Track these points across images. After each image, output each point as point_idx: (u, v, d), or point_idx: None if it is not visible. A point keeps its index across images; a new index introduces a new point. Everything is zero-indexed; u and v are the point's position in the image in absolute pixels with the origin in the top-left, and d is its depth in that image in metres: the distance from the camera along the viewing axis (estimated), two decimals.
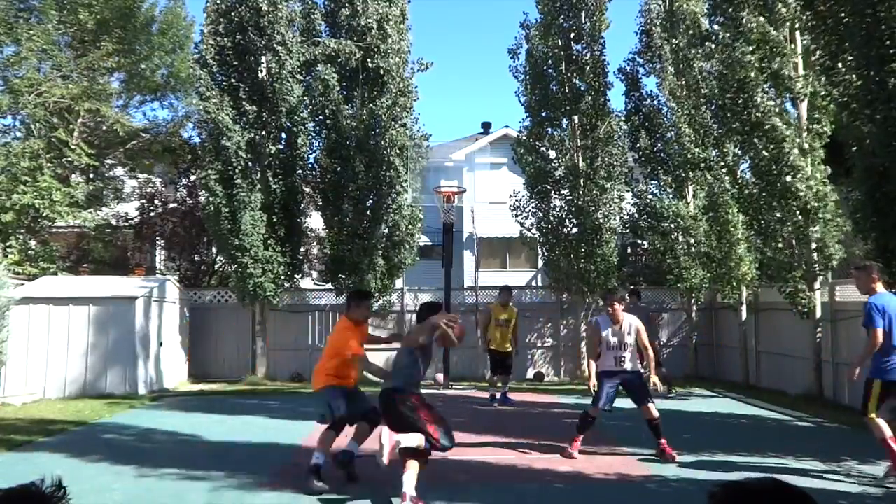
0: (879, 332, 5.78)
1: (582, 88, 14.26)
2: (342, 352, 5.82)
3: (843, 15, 7.64)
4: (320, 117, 14.30)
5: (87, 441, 7.84)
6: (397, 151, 13.61)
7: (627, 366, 6.94)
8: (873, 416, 5.78)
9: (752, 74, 9.91)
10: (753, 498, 1.31)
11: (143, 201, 18.23)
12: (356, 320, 6.02)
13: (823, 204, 9.71)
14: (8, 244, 13.94)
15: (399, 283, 15.66)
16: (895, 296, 6.04)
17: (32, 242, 15.23)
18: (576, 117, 14.39)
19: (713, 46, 11.05)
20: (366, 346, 6.07)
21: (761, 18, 9.83)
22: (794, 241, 10.27)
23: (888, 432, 5.75)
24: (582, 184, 14.13)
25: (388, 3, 14.13)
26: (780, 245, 10.45)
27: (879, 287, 6.06)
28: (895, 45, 7.10)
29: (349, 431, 5.96)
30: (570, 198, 14.27)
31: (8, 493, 1.33)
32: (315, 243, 16.44)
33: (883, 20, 7.10)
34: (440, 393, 12.35)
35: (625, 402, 9.47)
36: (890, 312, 5.84)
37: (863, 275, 6.22)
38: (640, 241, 17.44)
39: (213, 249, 17.11)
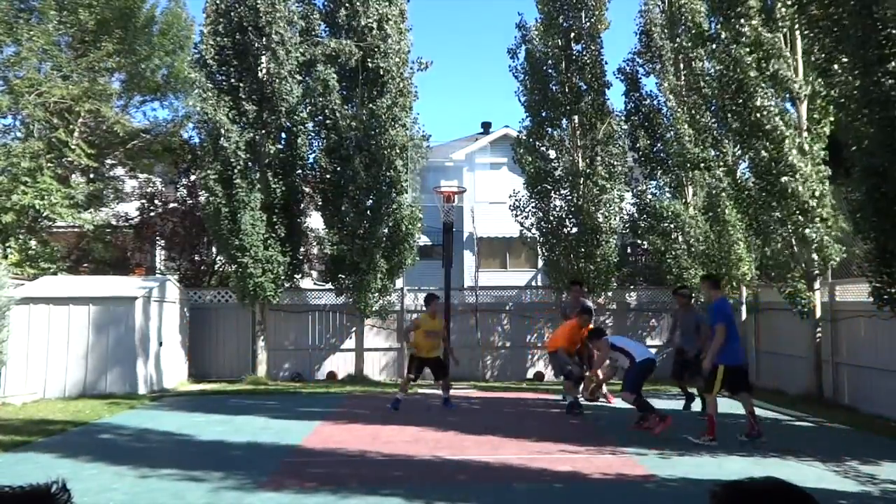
0: (724, 328, 7.27)
1: (582, 88, 14.26)
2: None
3: (837, 17, 7.64)
4: (320, 117, 14.30)
5: (88, 441, 7.84)
6: (397, 151, 13.61)
7: None
8: (713, 393, 7.43)
9: (752, 75, 9.91)
10: (755, 498, 1.31)
11: (143, 201, 18.22)
12: None
13: (822, 204, 9.70)
14: (8, 244, 13.94)
15: (399, 283, 15.66)
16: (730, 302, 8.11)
17: (32, 242, 15.21)
18: (575, 117, 14.39)
19: (713, 47, 11.06)
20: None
21: (754, 21, 9.83)
22: (793, 242, 10.27)
23: (717, 410, 7.49)
24: (582, 184, 14.13)
25: (387, 3, 14.12)
26: (779, 245, 10.46)
27: (720, 294, 7.94)
28: (892, 47, 7.10)
29: None
30: (570, 198, 14.27)
31: (15, 493, 1.33)
32: (315, 243, 16.43)
33: (879, 21, 7.10)
34: (439, 393, 12.35)
35: (621, 403, 9.46)
36: (729, 313, 7.57)
37: (708, 284, 8.00)
38: (640, 241, 17.44)
39: (213, 249, 17.10)
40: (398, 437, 7.94)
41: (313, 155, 14.86)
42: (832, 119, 9.79)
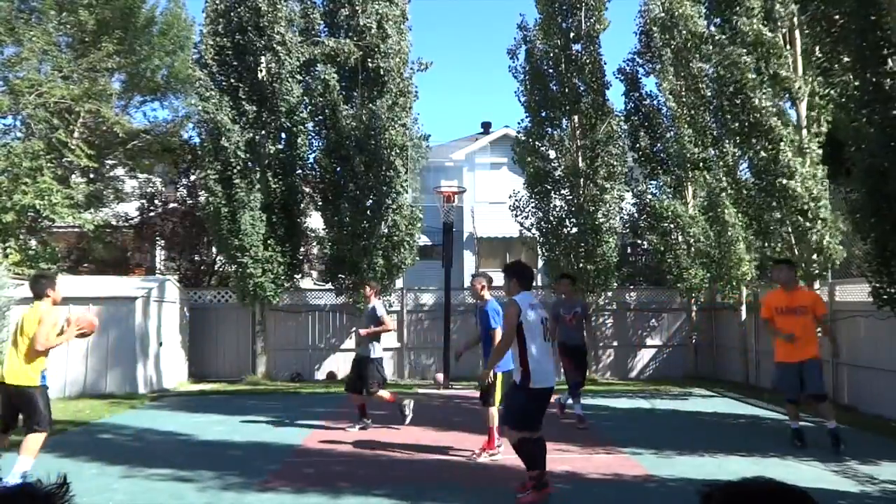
0: (500, 331, 6.53)
1: (581, 88, 14.27)
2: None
3: (837, 17, 7.64)
4: (320, 117, 14.31)
5: (88, 441, 7.85)
6: (397, 151, 13.61)
7: None
8: (496, 405, 6.69)
9: (750, 76, 9.91)
10: (753, 499, 1.30)
11: (143, 201, 18.25)
12: None
13: (820, 204, 9.69)
14: (8, 244, 13.94)
15: (399, 283, 15.65)
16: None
17: (32, 242, 15.21)
18: (575, 117, 14.39)
19: (710, 48, 11.06)
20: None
21: (753, 20, 9.83)
22: (793, 242, 10.26)
23: (496, 422, 6.67)
24: (582, 184, 14.14)
25: (388, 3, 14.13)
26: (779, 245, 10.45)
27: (487, 294, 7.01)
28: (890, 47, 7.10)
29: None
30: (570, 198, 14.27)
31: (15, 492, 1.33)
32: (315, 243, 16.44)
33: (877, 22, 7.11)
34: (438, 393, 12.36)
35: (620, 402, 9.49)
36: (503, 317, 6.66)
37: (478, 281, 7.14)
38: (639, 241, 17.44)
39: (213, 249, 17.11)
40: (398, 437, 7.94)
41: (313, 155, 14.88)
42: (831, 119, 9.79)
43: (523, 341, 5.23)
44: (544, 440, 5.36)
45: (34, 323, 5.89)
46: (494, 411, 6.81)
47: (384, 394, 8.44)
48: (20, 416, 5.84)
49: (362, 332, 8.44)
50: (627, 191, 15.15)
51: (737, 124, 10.25)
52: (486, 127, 27.32)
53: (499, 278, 10.80)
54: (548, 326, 5.45)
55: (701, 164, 13.73)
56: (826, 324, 7.24)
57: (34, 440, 5.73)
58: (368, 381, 8.29)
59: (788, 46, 10.18)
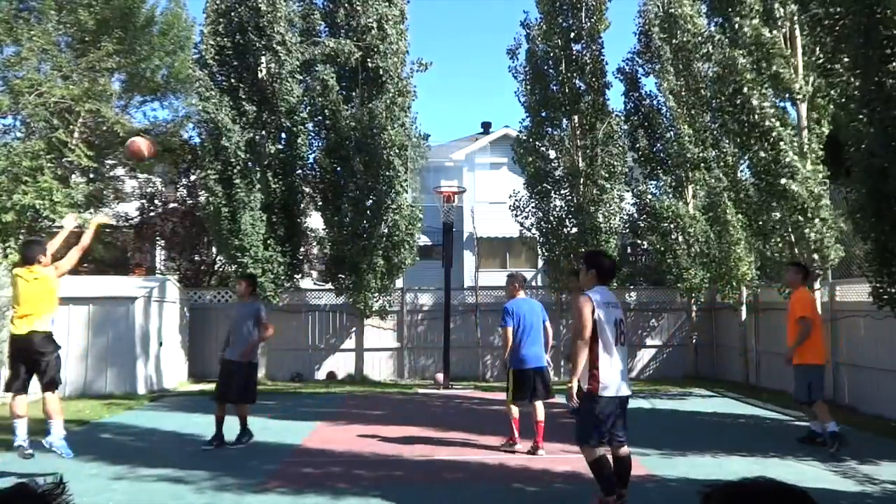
0: (509, 330, 6.95)
1: (581, 88, 14.27)
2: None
3: (838, 16, 7.63)
4: (319, 117, 14.32)
5: (87, 441, 7.84)
6: (396, 151, 13.62)
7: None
8: (510, 402, 7.12)
9: (748, 77, 9.90)
10: (752, 499, 1.30)
11: (143, 201, 18.24)
12: None
13: (820, 205, 9.69)
14: (8, 244, 13.92)
15: (399, 283, 15.65)
16: (531, 300, 7.39)
17: None
18: (575, 117, 14.40)
19: (710, 48, 11.06)
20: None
21: (755, 21, 9.82)
22: (793, 241, 10.26)
23: (516, 414, 7.17)
24: (582, 184, 14.14)
25: (387, 4, 14.14)
26: (779, 245, 10.44)
27: (521, 294, 7.27)
28: (892, 47, 7.09)
29: None
30: (570, 198, 14.28)
31: (3, 493, 1.32)
32: (315, 243, 16.44)
33: (879, 21, 7.10)
34: (439, 393, 12.36)
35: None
36: (520, 315, 6.98)
37: (507, 282, 7.48)
38: (639, 241, 17.45)
39: (213, 249, 17.11)
40: (398, 437, 7.94)
41: (313, 155, 14.88)
42: (831, 119, 9.78)
43: (595, 342, 4.73)
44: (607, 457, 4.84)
45: (43, 287, 6.52)
46: (514, 408, 7.19)
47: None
48: (35, 374, 6.10)
49: (253, 341, 7.59)
50: (627, 191, 15.16)
51: (736, 125, 10.25)
52: (486, 127, 27.32)
53: (499, 279, 10.72)
54: (623, 329, 4.90)
55: (701, 164, 13.73)
56: (799, 325, 7.43)
57: (53, 402, 6.02)
58: (253, 390, 7.67)
59: (789, 46, 10.18)
